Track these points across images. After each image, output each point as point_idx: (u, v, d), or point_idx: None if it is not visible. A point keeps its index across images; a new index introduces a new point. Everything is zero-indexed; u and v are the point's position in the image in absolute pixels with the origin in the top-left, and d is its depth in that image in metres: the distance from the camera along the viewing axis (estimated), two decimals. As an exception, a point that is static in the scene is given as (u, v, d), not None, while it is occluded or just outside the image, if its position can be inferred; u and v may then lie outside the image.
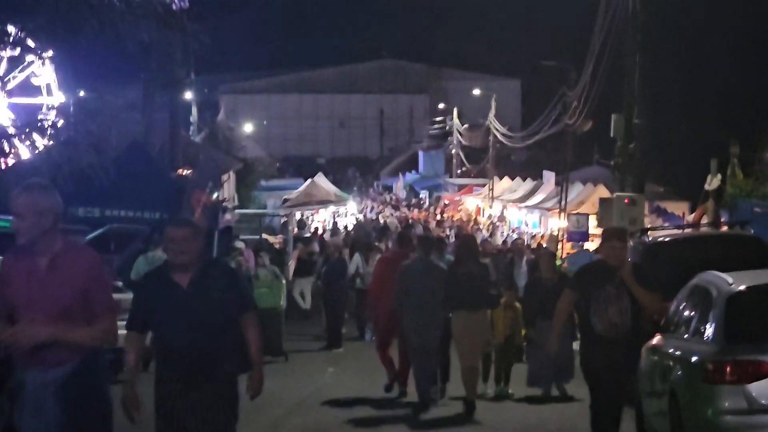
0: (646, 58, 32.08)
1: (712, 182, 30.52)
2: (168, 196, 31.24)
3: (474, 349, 18.92)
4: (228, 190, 55.78)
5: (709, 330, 12.32)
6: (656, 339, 14.41)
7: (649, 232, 22.36)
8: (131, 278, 23.60)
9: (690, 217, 32.70)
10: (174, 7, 36.49)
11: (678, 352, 12.89)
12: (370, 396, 20.91)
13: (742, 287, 12.53)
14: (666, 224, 26.22)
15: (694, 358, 12.17)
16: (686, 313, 13.67)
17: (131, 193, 30.29)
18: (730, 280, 12.69)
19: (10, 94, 37.82)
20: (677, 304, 14.26)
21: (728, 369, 11.60)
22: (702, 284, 13.46)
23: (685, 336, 13.18)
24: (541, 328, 19.19)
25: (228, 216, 37.11)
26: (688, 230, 25.76)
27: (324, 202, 57.75)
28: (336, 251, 32.19)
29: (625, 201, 29.43)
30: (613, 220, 29.18)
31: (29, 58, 34.98)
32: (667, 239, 21.48)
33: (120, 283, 22.54)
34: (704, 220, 29.40)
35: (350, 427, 18.21)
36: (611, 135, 32.29)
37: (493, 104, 78.88)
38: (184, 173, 36.22)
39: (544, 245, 33.79)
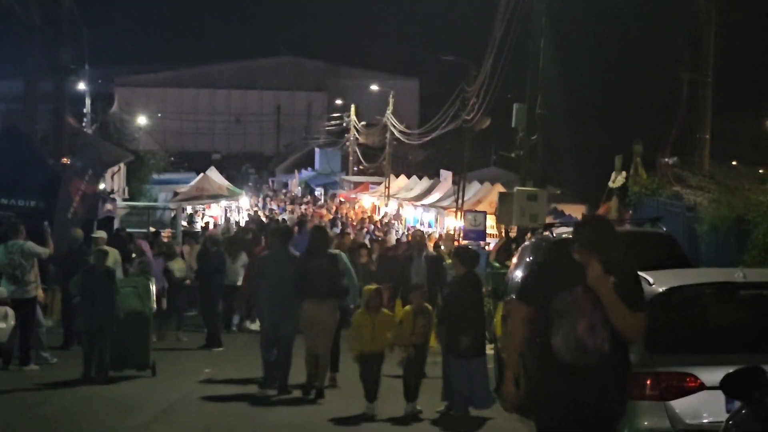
0: (550, 44, 31.20)
1: (617, 179, 29.65)
2: (45, 183, 29.72)
3: (320, 337, 19.15)
4: (118, 182, 55.36)
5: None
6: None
7: (552, 229, 20.65)
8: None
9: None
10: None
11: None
12: (246, 393, 19.89)
13: (663, 288, 11.12)
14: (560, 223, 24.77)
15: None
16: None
17: (2, 179, 28.80)
18: (651, 281, 11.21)
19: None
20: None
21: (648, 383, 10.23)
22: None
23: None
24: (442, 334, 17.58)
25: (109, 206, 35.81)
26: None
27: (216, 197, 56.50)
28: (212, 245, 29.76)
29: (525, 196, 28.26)
30: (513, 217, 28.04)
31: None
32: (564, 239, 19.72)
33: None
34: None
35: None
36: (512, 125, 31.34)
37: (391, 101, 78.27)
38: (66, 161, 34.48)
39: (441, 245, 32.22)
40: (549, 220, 27.97)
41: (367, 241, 39.22)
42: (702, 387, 10.37)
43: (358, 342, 17.68)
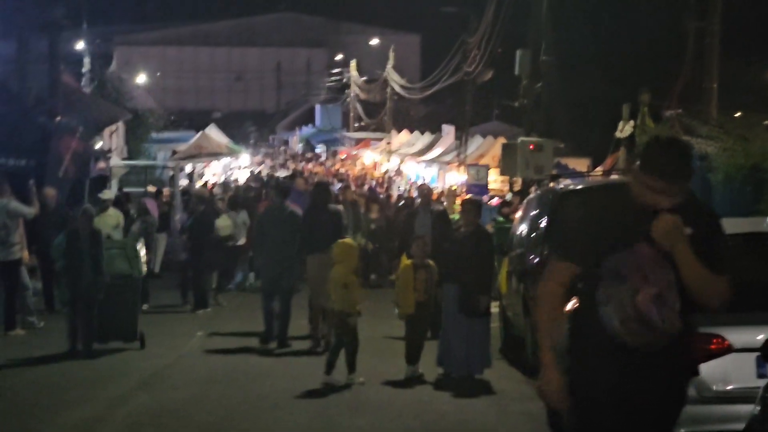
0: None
1: (624, 129, 28.65)
2: (35, 142, 28.89)
3: (325, 291, 17.49)
4: (117, 141, 54.58)
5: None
6: (572, 303, 11.97)
7: (559, 180, 19.57)
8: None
9: (598, 170, 30.30)
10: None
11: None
12: (237, 359, 19.03)
13: None
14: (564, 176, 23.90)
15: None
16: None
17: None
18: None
19: None
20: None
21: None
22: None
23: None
24: (447, 293, 16.51)
25: (102, 164, 35.00)
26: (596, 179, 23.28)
27: (215, 155, 55.44)
28: (200, 203, 28.56)
29: (530, 146, 27.29)
30: (517, 169, 27.17)
31: None
32: (584, 187, 18.66)
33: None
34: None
35: (203, 404, 15.10)
36: (516, 73, 30.56)
37: (392, 55, 76.95)
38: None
39: (443, 201, 31.43)
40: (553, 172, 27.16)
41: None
42: (730, 349, 9.42)
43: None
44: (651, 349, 5.83)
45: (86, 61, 58.90)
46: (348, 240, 18.07)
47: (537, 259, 16.84)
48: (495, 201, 36.20)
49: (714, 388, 9.27)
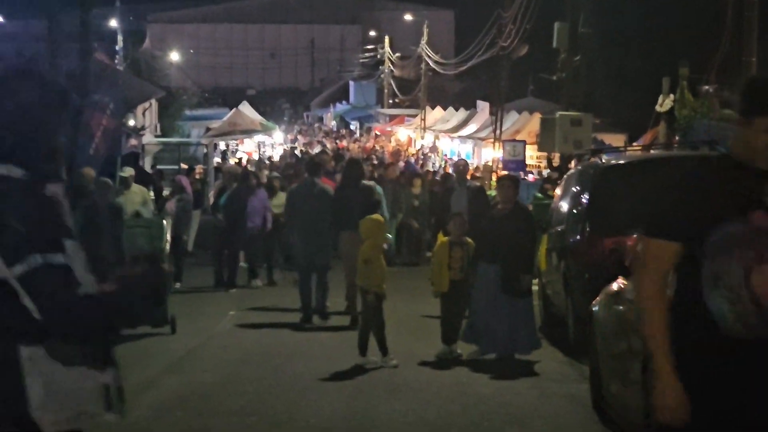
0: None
1: (664, 103, 28.14)
2: (64, 114, 28.72)
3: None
4: (150, 118, 54.77)
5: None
6: (617, 283, 11.48)
7: (601, 155, 19.05)
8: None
9: (636, 145, 29.83)
10: None
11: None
12: (270, 339, 18.59)
13: None
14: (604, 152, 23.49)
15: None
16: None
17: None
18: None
19: None
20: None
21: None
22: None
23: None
24: (485, 272, 15.91)
25: (134, 141, 34.86)
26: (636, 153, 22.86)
27: (248, 132, 55.73)
28: (232, 180, 28.05)
29: (571, 119, 26.96)
30: (555, 144, 26.71)
31: None
32: (627, 161, 18.15)
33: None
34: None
35: (233, 386, 14.55)
36: (554, 45, 30.08)
37: (426, 31, 76.65)
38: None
39: (479, 176, 31.04)
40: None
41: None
42: None
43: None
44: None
45: (119, 38, 59.35)
46: (376, 216, 17.20)
47: (578, 236, 16.52)
48: (531, 177, 35.84)
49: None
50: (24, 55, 38.88)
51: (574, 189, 18.09)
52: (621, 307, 10.91)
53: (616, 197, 16.20)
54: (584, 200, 16.95)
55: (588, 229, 16.16)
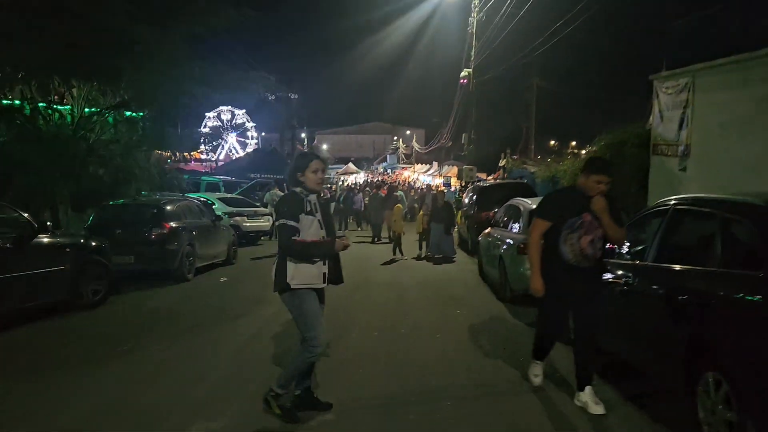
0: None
1: (504, 161, 27.44)
2: (285, 167, 28.76)
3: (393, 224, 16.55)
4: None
5: (521, 227, 9.33)
6: (488, 229, 11.45)
7: (477, 183, 19.24)
8: (264, 201, 20.68)
9: (490, 178, 29.08)
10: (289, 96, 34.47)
11: (504, 237, 9.90)
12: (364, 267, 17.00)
13: (534, 206, 9.52)
14: (480, 181, 23.22)
15: (512, 241, 9.22)
16: (505, 217, 10.61)
17: (267, 167, 27.89)
18: (529, 203, 9.67)
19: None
20: (499, 213, 11.20)
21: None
22: (514, 204, 10.49)
23: (507, 229, 10.13)
24: (432, 227, 15.22)
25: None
26: (492, 181, 22.50)
27: (352, 173, 55.53)
28: (347, 190, 27.79)
29: (468, 167, 26.62)
30: (464, 178, 26.40)
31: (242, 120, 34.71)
32: (488, 184, 18.27)
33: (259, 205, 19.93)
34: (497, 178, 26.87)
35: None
36: (463, 142, 29.64)
37: (414, 136, 74.84)
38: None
39: (435, 190, 30.77)
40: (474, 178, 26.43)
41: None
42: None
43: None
44: (584, 267, 5.06)
45: (303, 138, 58.79)
46: (399, 204, 17.34)
47: (473, 211, 16.38)
48: (452, 188, 35.32)
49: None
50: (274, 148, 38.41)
51: (471, 193, 17.92)
52: (490, 239, 10.99)
53: (485, 196, 16.20)
54: (474, 197, 16.80)
55: (476, 207, 16.10)
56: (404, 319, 8.36)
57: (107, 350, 6.82)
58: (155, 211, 11.39)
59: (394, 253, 15.51)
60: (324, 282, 4.85)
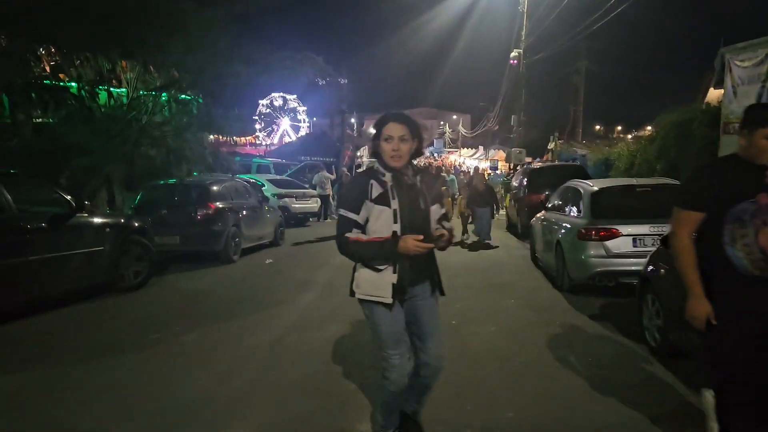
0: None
1: (552, 144, 26.05)
2: (335, 151, 28.12)
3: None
4: (365, 152, 53.79)
5: (582, 210, 8.23)
6: (542, 213, 10.38)
7: (528, 165, 18.01)
8: (312, 182, 20.05)
9: (538, 161, 27.77)
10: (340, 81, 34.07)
11: (561, 221, 8.81)
12: None
13: (597, 188, 8.37)
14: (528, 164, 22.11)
15: (571, 225, 8.17)
16: (562, 201, 9.49)
17: (317, 150, 27.28)
18: (590, 184, 8.55)
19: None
20: (555, 196, 10.07)
21: (593, 233, 7.63)
22: (573, 186, 9.29)
23: (564, 213, 9.03)
24: (474, 210, 14.04)
25: (358, 161, 34.15)
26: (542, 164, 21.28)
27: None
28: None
29: (517, 150, 25.26)
30: (512, 161, 25.12)
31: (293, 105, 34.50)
32: (539, 167, 17.01)
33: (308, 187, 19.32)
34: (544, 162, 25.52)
35: None
36: (512, 124, 28.21)
37: (461, 120, 73.18)
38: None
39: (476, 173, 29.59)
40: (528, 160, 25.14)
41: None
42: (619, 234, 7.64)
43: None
44: None
45: (353, 123, 58.35)
46: (444, 188, 16.03)
47: (522, 194, 15.30)
48: (498, 172, 34.00)
49: (614, 251, 7.60)
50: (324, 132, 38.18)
51: (521, 176, 16.75)
52: (545, 222, 9.85)
53: (536, 179, 15.05)
54: (524, 180, 15.63)
55: (527, 190, 14.95)
56: (453, 308, 7.46)
57: (137, 338, 6.17)
58: (201, 191, 10.80)
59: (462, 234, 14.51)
60: (394, 294, 3.24)
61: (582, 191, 8.57)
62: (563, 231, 8.52)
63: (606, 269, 7.54)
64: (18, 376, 5.06)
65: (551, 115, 33.68)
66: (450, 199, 14.74)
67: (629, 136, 23.47)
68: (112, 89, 14.35)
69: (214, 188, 10.98)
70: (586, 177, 13.71)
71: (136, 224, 8.58)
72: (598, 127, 48.86)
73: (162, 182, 11.53)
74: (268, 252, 12.39)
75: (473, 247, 13.43)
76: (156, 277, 9.28)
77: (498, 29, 39.83)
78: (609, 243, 7.56)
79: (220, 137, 19.73)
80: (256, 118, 47.15)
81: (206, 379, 4.95)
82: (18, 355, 5.63)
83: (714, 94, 12.43)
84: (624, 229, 7.55)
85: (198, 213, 10.40)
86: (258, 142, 44.67)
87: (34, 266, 6.61)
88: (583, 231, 7.75)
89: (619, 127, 52.29)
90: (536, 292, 8.44)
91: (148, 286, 8.66)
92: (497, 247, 13.38)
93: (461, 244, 13.84)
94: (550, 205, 10.02)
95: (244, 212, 11.52)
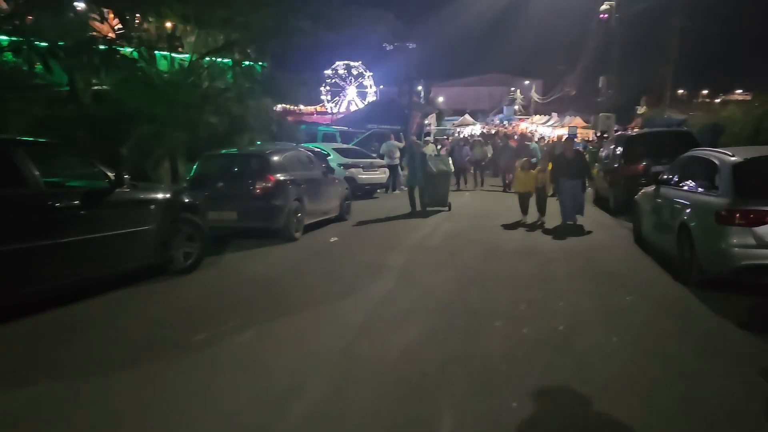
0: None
1: (641, 110, 23.71)
2: (404, 118, 26.76)
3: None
4: (432, 120, 52.08)
5: (720, 186, 6.50)
6: (651, 187, 8.69)
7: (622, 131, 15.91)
8: (380, 152, 18.79)
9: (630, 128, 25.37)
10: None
11: (688, 199, 7.10)
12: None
13: (741, 159, 6.57)
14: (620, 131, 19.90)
15: (706, 205, 6.48)
16: (685, 174, 7.78)
17: (385, 118, 25.96)
18: (730, 153, 6.78)
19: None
20: (674, 168, 8.34)
21: (737, 215, 5.97)
22: (701, 155, 7.51)
23: (691, 189, 7.31)
24: (564, 185, 11.36)
25: (428, 128, 32.59)
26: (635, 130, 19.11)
27: (468, 125, 52.56)
28: (461, 141, 23.91)
29: (605, 115, 23.09)
30: (599, 127, 22.99)
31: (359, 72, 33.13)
32: (638, 133, 14.94)
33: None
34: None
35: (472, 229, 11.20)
36: (599, 86, 25.75)
37: (533, 87, 69.53)
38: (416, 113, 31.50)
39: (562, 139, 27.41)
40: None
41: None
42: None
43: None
44: None
45: (422, 92, 56.94)
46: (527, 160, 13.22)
47: (616, 165, 13.44)
48: (577, 140, 31.76)
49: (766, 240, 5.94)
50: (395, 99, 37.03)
51: (613, 144, 14.77)
52: (658, 200, 8.17)
53: (635, 147, 13.15)
54: (620, 149, 13.63)
55: (623, 160, 13.10)
56: (556, 306, 6.05)
57: (178, 338, 5.10)
58: (260, 162, 9.73)
59: (525, 213, 12.27)
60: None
61: (718, 162, 6.79)
62: (691, 211, 6.82)
63: (755, 262, 5.89)
64: (21, 391, 4.07)
65: (638, 79, 30.70)
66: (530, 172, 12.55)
67: (717, 100, 20.84)
68: (174, 55, 13.60)
69: (274, 159, 9.89)
70: (697, 145, 11.78)
71: (187, 200, 7.58)
72: (681, 91, 44.96)
73: (219, 152, 10.55)
74: (333, 228, 11.28)
75: (558, 233, 10.91)
76: (213, 256, 8.37)
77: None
78: (760, 229, 5.90)
79: (287, 106, 18.88)
80: (322, 88, 46.49)
81: (249, 404, 3.84)
82: (26, 360, 4.66)
83: None
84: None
85: (256, 186, 9.36)
86: (326, 110, 44.05)
87: (65, 249, 5.66)
88: (723, 213, 6.09)
89: (705, 91, 47.88)
90: (656, 287, 6.85)
91: (202, 268, 7.70)
92: (590, 231, 11.37)
93: (530, 226, 11.59)
94: (666, 178, 8.29)
95: (307, 185, 10.42)
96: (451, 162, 17.89)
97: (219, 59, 13.79)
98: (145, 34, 13.13)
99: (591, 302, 6.26)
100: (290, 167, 10.12)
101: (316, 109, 46.37)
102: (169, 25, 14.00)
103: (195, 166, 10.06)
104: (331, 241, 10.02)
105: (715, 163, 6.86)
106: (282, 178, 9.71)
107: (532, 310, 5.92)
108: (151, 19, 12.26)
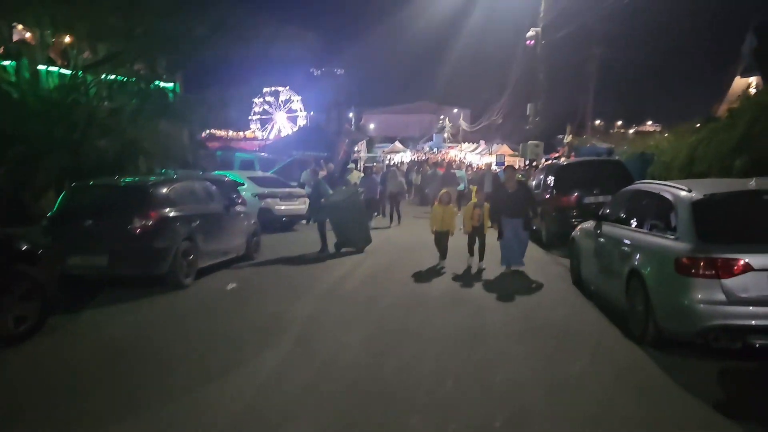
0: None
1: (569, 137, 23.49)
2: (330, 145, 25.48)
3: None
4: (362, 146, 51.32)
5: (678, 227, 5.34)
6: (589, 223, 7.61)
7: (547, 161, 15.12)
8: (300, 181, 17.16)
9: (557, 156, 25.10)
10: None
11: (640, 241, 5.91)
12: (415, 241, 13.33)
13: (700, 195, 5.45)
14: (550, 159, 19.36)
15: (662, 250, 5.31)
16: (630, 209, 6.65)
17: (313, 144, 24.69)
18: (686, 189, 5.66)
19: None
20: (617, 201, 7.22)
21: (702, 264, 4.79)
22: (651, 190, 6.35)
23: (639, 228, 6.16)
24: (504, 224, 9.39)
25: (355, 155, 31.52)
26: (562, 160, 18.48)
27: (398, 152, 51.85)
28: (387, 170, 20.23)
29: (534, 143, 22.53)
30: (528, 155, 22.38)
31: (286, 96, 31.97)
32: (569, 162, 14.24)
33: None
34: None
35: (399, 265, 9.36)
36: (527, 113, 24.89)
37: (461, 115, 70.32)
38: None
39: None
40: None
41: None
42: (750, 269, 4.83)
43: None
44: None
45: (351, 117, 56.58)
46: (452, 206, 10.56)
47: (547, 195, 12.44)
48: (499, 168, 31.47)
49: (741, 295, 4.82)
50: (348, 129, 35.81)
51: (544, 174, 13.74)
52: (600, 239, 7.04)
53: (567, 177, 12.24)
54: (550, 179, 12.62)
55: (554, 191, 12.13)
56: (494, 381, 4.70)
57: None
58: (140, 194, 7.95)
59: (443, 258, 10.11)
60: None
61: (672, 199, 5.63)
62: (643, 256, 5.65)
63: (727, 323, 4.75)
64: None
65: (562, 107, 30.68)
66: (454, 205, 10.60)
67: (630, 131, 20.81)
68: (52, 69, 11.84)
69: (159, 191, 8.13)
70: (629, 176, 11.00)
71: (23, 247, 5.76)
72: (598, 121, 46.05)
73: (89, 183, 8.68)
74: (234, 271, 9.54)
75: (497, 280, 8.95)
76: (67, 314, 6.54)
77: (501, 21, 36.38)
78: (731, 282, 4.78)
79: (213, 131, 17.30)
80: (251, 117, 44.88)
81: None
82: None
83: (739, 84, 9.68)
84: (754, 260, 4.78)
85: (134, 224, 7.59)
86: (254, 136, 42.39)
87: None
88: (685, 262, 4.93)
89: (619, 122, 49.13)
90: (606, 347, 5.59)
91: (43, 333, 5.87)
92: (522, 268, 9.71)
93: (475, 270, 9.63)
94: (607, 213, 7.17)
95: (202, 221, 8.71)
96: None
97: (114, 76, 12.12)
98: (22, 46, 11.36)
99: (533, 373, 4.94)
100: (180, 201, 8.39)
101: (245, 134, 44.45)
102: (68, 39, 12.37)
103: (60, 199, 8.18)
104: (228, 288, 8.30)
105: (668, 199, 5.70)
106: (169, 213, 7.99)
107: (462, 391, 4.52)
108: (19, 27, 10.43)
